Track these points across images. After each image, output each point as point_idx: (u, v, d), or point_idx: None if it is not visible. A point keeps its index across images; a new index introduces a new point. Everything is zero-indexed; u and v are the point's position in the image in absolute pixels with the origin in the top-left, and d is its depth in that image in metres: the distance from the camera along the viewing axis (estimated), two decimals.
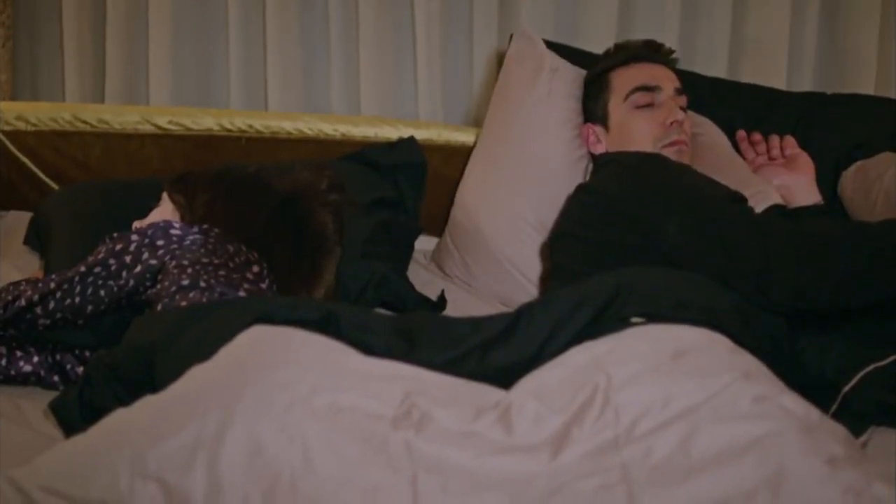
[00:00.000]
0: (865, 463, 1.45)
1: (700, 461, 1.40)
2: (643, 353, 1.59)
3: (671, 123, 2.44)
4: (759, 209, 2.33)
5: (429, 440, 1.46)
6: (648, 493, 1.38)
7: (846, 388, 1.93)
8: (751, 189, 2.41)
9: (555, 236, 2.44)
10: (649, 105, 2.47)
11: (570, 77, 2.69)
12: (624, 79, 2.53)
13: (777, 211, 2.36)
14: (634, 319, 1.76)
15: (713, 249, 2.08)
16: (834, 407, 1.91)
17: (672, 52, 2.61)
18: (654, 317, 1.75)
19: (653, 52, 2.58)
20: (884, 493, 1.36)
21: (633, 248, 2.19)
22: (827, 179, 2.55)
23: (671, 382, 1.52)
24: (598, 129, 2.56)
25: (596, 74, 2.61)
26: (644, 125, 2.46)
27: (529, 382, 1.58)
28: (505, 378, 1.64)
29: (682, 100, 2.51)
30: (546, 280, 2.59)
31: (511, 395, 1.55)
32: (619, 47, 2.63)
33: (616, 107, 2.52)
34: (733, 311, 1.88)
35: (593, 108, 2.59)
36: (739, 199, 2.27)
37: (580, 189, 2.41)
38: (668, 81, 2.51)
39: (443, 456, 1.44)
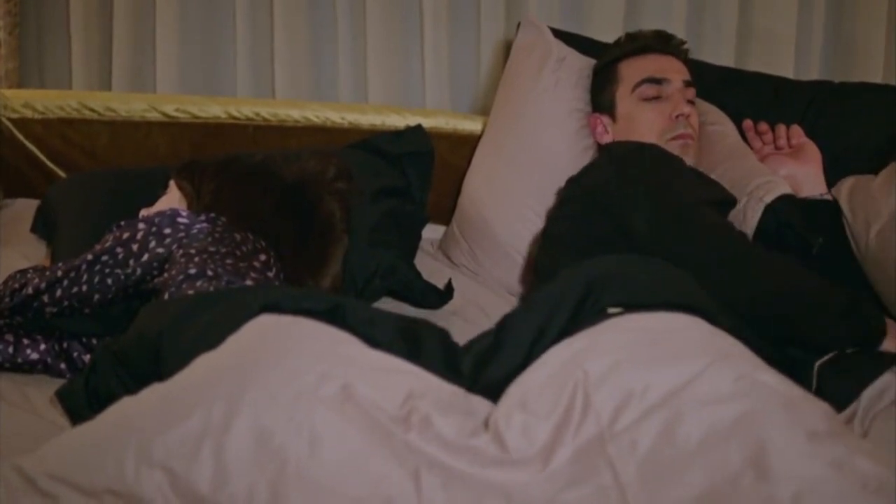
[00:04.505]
0: (848, 437, 1.45)
1: (685, 450, 1.40)
2: (619, 344, 1.58)
3: (677, 116, 2.44)
4: (768, 199, 2.34)
5: (428, 442, 1.46)
6: (640, 497, 1.38)
7: (819, 363, 1.97)
8: (760, 178, 2.40)
9: (543, 236, 2.44)
10: (657, 97, 2.47)
11: (578, 66, 2.68)
12: (632, 69, 2.53)
13: (786, 200, 2.35)
14: (611, 310, 1.75)
15: (679, 247, 2.10)
16: (814, 383, 1.94)
17: (683, 43, 2.60)
18: (630, 305, 1.74)
19: (663, 43, 2.57)
20: (866, 466, 1.36)
21: (606, 238, 2.20)
22: (835, 169, 2.54)
23: (649, 371, 1.51)
24: (606, 119, 2.55)
25: (605, 64, 2.61)
26: (650, 117, 2.46)
27: (514, 391, 1.55)
28: (501, 391, 1.63)
29: (690, 92, 2.51)
30: (527, 280, 2.61)
31: (499, 408, 1.53)
32: (629, 37, 2.62)
33: (623, 97, 2.52)
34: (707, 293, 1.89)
35: (601, 98, 2.58)
36: (731, 203, 2.27)
37: (567, 181, 2.42)
38: (676, 74, 2.50)
39: (442, 458, 1.44)
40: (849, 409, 1.88)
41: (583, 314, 1.72)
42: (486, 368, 1.66)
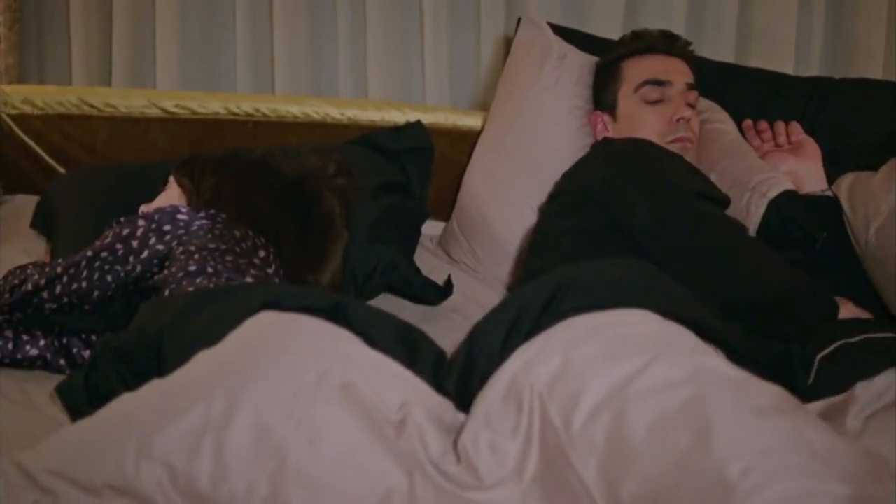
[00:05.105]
0: (797, 413, 1.46)
1: (634, 440, 1.41)
2: (568, 343, 1.57)
3: (678, 120, 2.43)
4: (771, 194, 2.34)
5: (420, 452, 1.47)
6: (604, 495, 1.39)
7: (820, 356, 1.96)
8: (762, 174, 2.40)
9: (535, 232, 2.43)
10: (659, 100, 2.46)
11: (579, 64, 2.68)
12: (636, 70, 2.52)
13: (789, 196, 2.35)
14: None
15: (678, 238, 2.11)
16: (812, 375, 1.93)
17: (688, 43, 2.59)
18: (589, 308, 1.71)
19: (669, 43, 2.56)
20: (815, 438, 1.37)
21: (597, 233, 2.19)
22: (835, 165, 2.53)
23: (596, 367, 1.51)
24: (607, 117, 2.55)
25: (609, 62, 2.60)
26: (651, 119, 2.45)
27: (478, 409, 1.55)
28: None
29: (693, 95, 2.50)
30: (516, 274, 2.61)
31: (466, 429, 1.53)
32: (634, 35, 2.60)
33: (625, 97, 2.51)
34: (679, 291, 1.89)
35: (603, 96, 2.58)
36: (724, 202, 2.27)
37: (562, 176, 2.41)
38: (679, 76, 2.49)
39: (430, 471, 1.46)
40: (840, 397, 1.87)
41: (544, 320, 1.72)
42: (467, 387, 1.66)
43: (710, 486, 1.32)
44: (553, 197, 2.40)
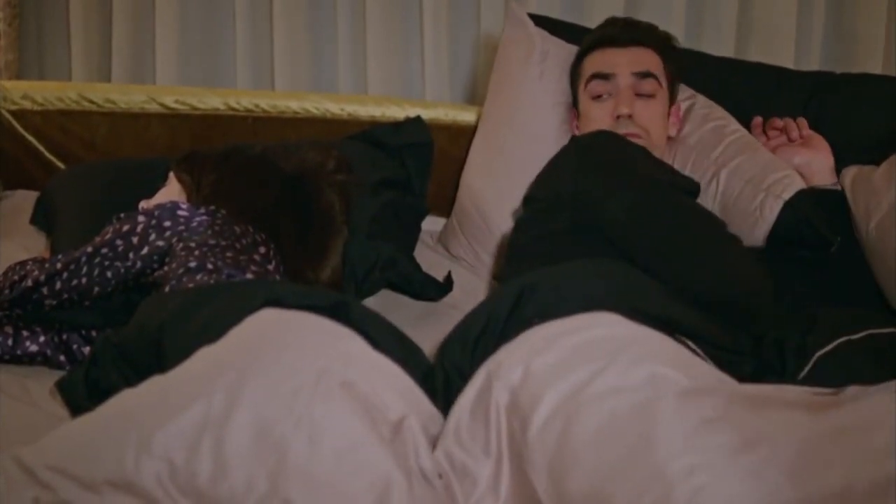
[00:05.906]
0: (751, 415, 1.45)
1: (581, 441, 1.41)
2: (527, 355, 1.57)
3: (618, 117, 2.39)
4: (786, 195, 2.31)
5: (411, 458, 1.47)
6: (552, 497, 1.40)
7: (819, 354, 1.93)
8: (776, 174, 2.38)
9: (508, 247, 2.38)
10: (605, 94, 2.43)
11: (564, 57, 2.66)
12: (588, 65, 2.49)
13: (804, 196, 2.33)
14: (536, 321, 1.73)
15: (654, 229, 2.07)
16: (806, 370, 1.91)
17: (652, 29, 2.53)
18: (550, 313, 1.70)
19: (627, 32, 2.51)
20: (766, 438, 1.37)
21: (569, 235, 2.15)
22: (837, 160, 2.53)
23: (553, 376, 1.51)
24: (577, 114, 2.54)
25: (575, 59, 2.59)
26: (599, 116, 2.42)
27: (449, 424, 1.56)
28: None
29: (646, 85, 2.43)
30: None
31: (439, 446, 1.54)
32: (596, 29, 2.58)
33: (581, 94, 2.50)
34: (650, 287, 1.88)
35: (572, 92, 2.58)
36: (692, 191, 2.25)
37: (535, 179, 2.37)
38: (625, 67, 2.43)
39: (422, 481, 1.46)
40: (828, 390, 1.86)
41: (509, 327, 1.72)
42: (449, 402, 1.66)
43: (649, 480, 1.33)
44: (526, 202, 2.36)
